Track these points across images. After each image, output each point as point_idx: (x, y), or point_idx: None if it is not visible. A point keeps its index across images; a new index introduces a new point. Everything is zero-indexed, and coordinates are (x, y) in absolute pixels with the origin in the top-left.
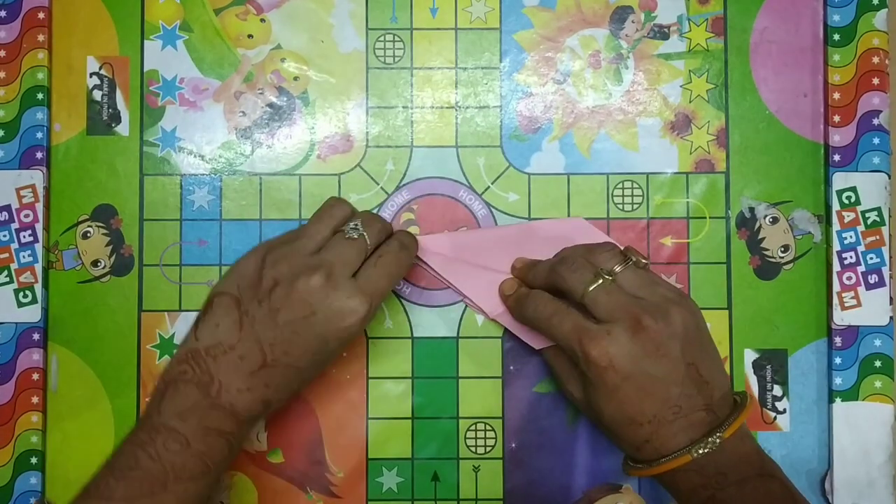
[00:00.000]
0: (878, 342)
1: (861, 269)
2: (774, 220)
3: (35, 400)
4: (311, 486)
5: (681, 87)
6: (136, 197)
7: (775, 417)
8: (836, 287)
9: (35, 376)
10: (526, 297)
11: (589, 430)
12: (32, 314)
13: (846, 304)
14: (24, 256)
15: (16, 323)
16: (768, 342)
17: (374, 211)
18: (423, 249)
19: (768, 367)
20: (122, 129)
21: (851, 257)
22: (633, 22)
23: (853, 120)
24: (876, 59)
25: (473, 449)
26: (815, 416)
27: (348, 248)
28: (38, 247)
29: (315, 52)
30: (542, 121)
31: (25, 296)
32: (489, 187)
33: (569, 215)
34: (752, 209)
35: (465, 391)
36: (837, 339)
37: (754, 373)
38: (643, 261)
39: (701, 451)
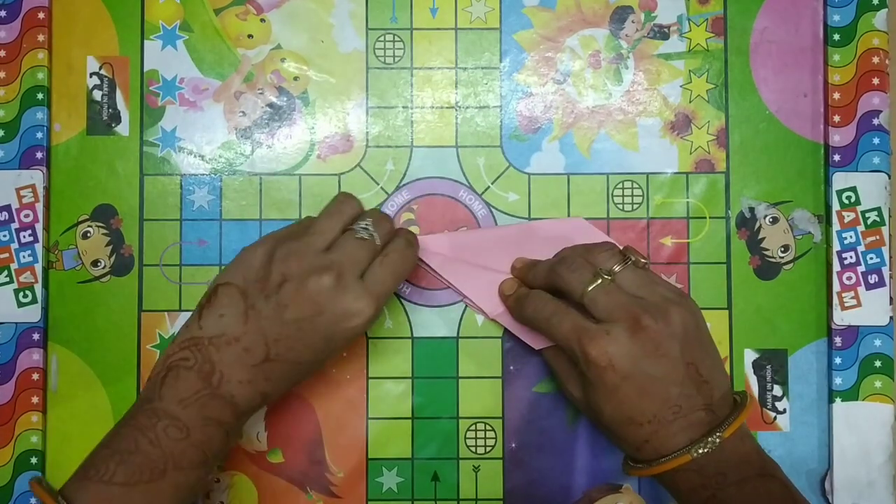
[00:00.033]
0: (878, 342)
1: (861, 269)
2: (774, 220)
3: (35, 400)
4: (311, 486)
5: (681, 87)
6: (136, 197)
7: (775, 417)
8: (836, 287)
9: (35, 376)
10: (525, 297)
11: (589, 430)
12: (32, 314)
13: (846, 304)
14: (24, 256)
15: (16, 323)
16: (768, 342)
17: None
18: (423, 249)
19: (768, 367)
20: (122, 129)
21: (851, 257)
22: (633, 22)
23: (853, 120)
24: (876, 59)
25: (473, 449)
26: (815, 416)
27: (359, 249)
28: (38, 247)
29: (315, 52)
30: (542, 121)
31: (25, 296)
32: (489, 187)
33: (569, 215)
34: (752, 209)
35: (465, 391)
36: (837, 339)
37: (754, 373)
38: (642, 260)
39: (701, 451)
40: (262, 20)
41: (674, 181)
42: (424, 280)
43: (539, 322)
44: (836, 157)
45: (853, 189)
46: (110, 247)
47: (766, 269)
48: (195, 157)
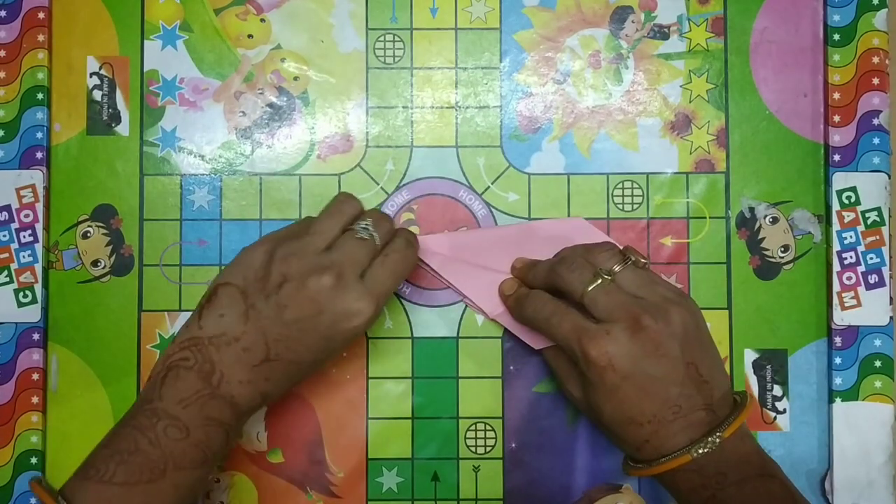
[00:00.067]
0: (878, 342)
1: (861, 269)
2: (774, 220)
3: (35, 400)
4: (311, 486)
5: (681, 87)
6: (136, 197)
7: (775, 417)
8: (836, 287)
9: (35, 376)
10: (525, 297)
11: (589, 430)
12: (32, 314)
13: (846, 304)
14: (24, 256)
15: (16, 323)
16: (768, 342)
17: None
18: (423, 249)
19: (768, 367)
20: (122, 129)
21: (851, 257)
22: (633, 22)
23: (853, 120)
24: (876, 59)
25: (473, 449)
26: (815, 416)
27: (359, 249)
28: (38, 247)
29: (315, 52)
30: (542, 121)
31: (25, 296)
32: (489, 187)
33: (569, 215)
34: (752, 209)
35: (465, 391)
36: (837, 339)
37: (754, 373)
38: (642, 260)
39: (701, 451)
40: (262, 20)
41: (674, 181)
42: (424, 280)
43: (539, 322)
44: (836, 157)
45: (853, 189)
46: (110, 247)
47: (766, 269)
48: (195, 157)
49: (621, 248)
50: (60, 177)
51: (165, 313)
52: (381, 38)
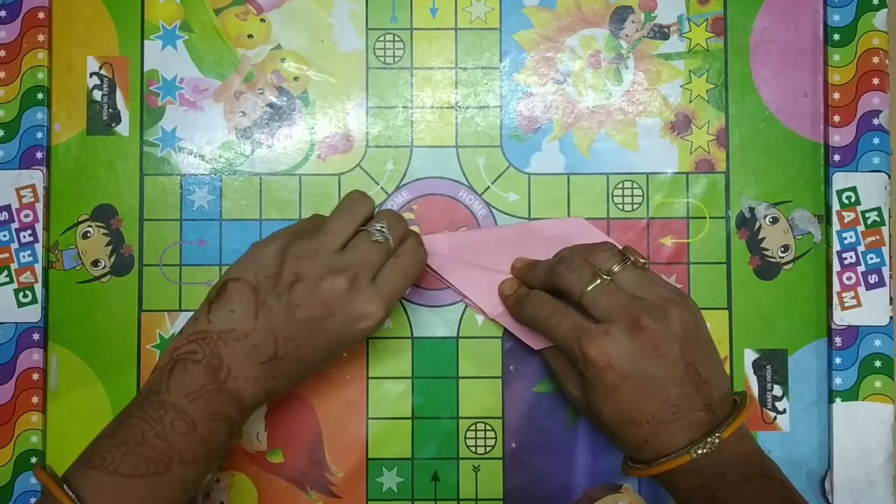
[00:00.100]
0: (878, 342)
1: (861, 269)
2: (774, 220)
3: (35, 400)
4: (311, 486)
5: (681, 87)
6: (136, 197)
7: (775, 417)
8: (836, 287)
9: (35, 376)
10: (525, 297)
11: (589, 430)
12: (32, 314)
13: (846, 304)
14: (24, 256)
15: (16, 323)
16: (768, 342)
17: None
18: None
19: (768, 367)
20: (122, 129)
21: (851, 257)
22: (633, 22)
23: (853, 120)
24: (876, 59)
25: (473, 449)
26: (815, 416)
27: (373, 252)
28: (38, 247)
29: (315, 52)
30: (542, 121)
31: (25, 296)
32: (489, 187)
33: (569, 215)
34: (752, 209)
35: (465, 391)
36: (837, 339)
37: (754, 373)
38: (641, 260)
39: (700, 452)
40: (262, 20)
41: (674, 181)
42: (424, 280)
43: (538, 322)
44: (836, 157)
45: (853, 189)
46: (110, 247)
47: (766, 269)
48: (195, 157)
49: (621, 248)
50: (60, 177)
51: (165, 313)
52: (381, 38)
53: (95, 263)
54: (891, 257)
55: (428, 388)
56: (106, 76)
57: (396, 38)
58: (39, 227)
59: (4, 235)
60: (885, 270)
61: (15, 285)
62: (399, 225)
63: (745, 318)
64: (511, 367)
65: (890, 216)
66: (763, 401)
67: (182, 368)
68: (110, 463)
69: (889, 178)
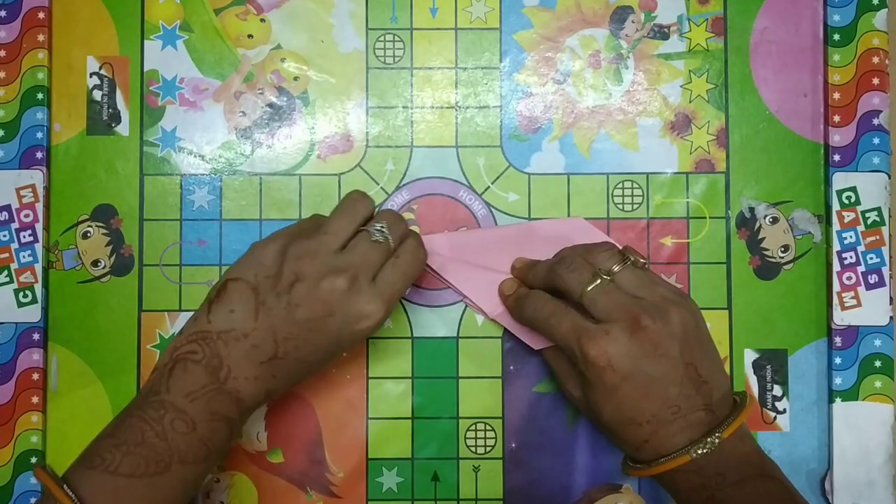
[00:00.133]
0: (878, 342)
1: (861, 269)
2: (774, 220)
3: (35, 400)
4: (311, 486)
5: (681, 87)
6: (136, 197)
7: (775, 417)
8: (836, 287)
9: (35, 376)
10: (525, 298)
11: (589, 430)
12: (32, 314)
13: (846, 304)
14: (24, 256)
15: (16, 323)
16: (768, 342)
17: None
18: None
19: (768, 367)
20: (122, 129)
21: (851, 257)
22: (633, 22)
23: (853, 120)
24: (876, 59)
25: (473, 449)
26: (815, 416)
27: (374, 252)
28: (38, 247)
29: (315, 52)
30: (542, 121)
31: (25, 296)
32: (489, 187)
33: (569, 215)
34: (752, 209)
35: (465, 391)
36: (837, 339)
37: (754, 373)
38: (641, 260)
39: (700, 452)
40: (262, 20)
41: (674, 181)
42: (424, 280)
43: (538, 322)
44: (836, 157)
45: (853, 189)
46: (110, 247)
47: (766, 269)
48: (195, 157)
49: (621, 248)
50: (60, 177)
51: (165, 313)
52: (381, 38)
53: (95, 263)
54: (891, 257)
55: (428, 388)
56: (106, 76)
57: (396, 38)
58: (39, 227)
59: (4, 235)
60: (885, 270)
61: (15, 285)
62: (399, 225)
63: (745, 318)
64: (511, 367)
65: (890, 216)
66: (763, 401)
67: (182, 368)
68: (110, 463)
69: (889, 178)
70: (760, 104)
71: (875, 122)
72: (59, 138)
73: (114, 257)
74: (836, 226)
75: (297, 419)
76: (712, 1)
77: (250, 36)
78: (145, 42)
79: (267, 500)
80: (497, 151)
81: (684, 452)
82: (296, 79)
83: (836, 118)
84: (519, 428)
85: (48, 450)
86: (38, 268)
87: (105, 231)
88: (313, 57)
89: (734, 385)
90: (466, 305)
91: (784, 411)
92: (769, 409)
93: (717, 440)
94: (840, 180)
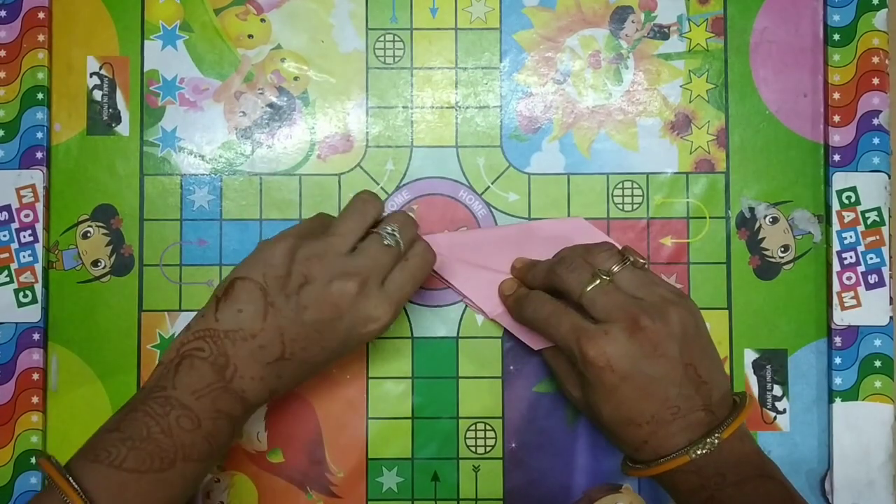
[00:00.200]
0: (878, 342)
1: (861, 269)
2: (774, 220)
3: (35, 400)
4: (311, 486)
5: (681, 87)
6: (137, 197)
7: (775, 417)
8: (836, 287)
9: (35, 376)
10: (525, 298)
11: (589, 430)
12: (32, 314)
13: (846, 304)
14: (24, 256)
15: (16, 323)
16: (768, 342)
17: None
18: None
19: (768, 367)
20: (123, 129)
21: (851, 257)
22: (633, 22)
23: (853, 120)
24: (876, 59)
25: (473, 449)
26: (815, 416)
27: (384, 256)
28: (38, 247)
29: (315, 53)
30: (542, 121)
31: (25, 296)
32: (489, 187)
33: (569, 215)
34: (752, 209)
35: (465, 391)
36: (837, 339)
37: (754, 373)
38: (641, 261)
39: (699, 452)
40: (262, 20)
41: (674, 181)
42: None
43: (538, 322)
44: (836, 157)
45: (853, 189)
46: (110, 247)
47: (766, 269)
48: (195, 157)
49: (620, 248)
50: (60, 177)
51: (165, 313)
52: (381, 38)
53: (95, 263)
54: (891, 257)
55: (428, 388)
56: (106, 76)
57: (396, 38)
58: (39, 227)
59: (4, 235)
60: (885, 270)
61: (15, 285)
62: (410, 228)
63: (745, 318)
64: (511, 367)
65: (890, 216)
66: (763, 401)
67: (189, 365)
68: (115, 457)
69: (889, 178)
70: (760, 104)
71: (875, 122)
72: (59, 138)
73: (114, 257)
74: (836, 226)
75: (297, 419)
76: (712, 1)
77: (250, 36)
78: (145, 42)
79: (267, 500)
80: (497, 151)
81: (683, 453)
82: (296, 79)
83: (836, 118)
84: (519, 428)
85: (48, 450)
86: (38, 268)
87: (105, 231)
88: (313, 57)
89: (734, 385)
90: (466, 305)
91: (784, 411)
92: (769, 409)
93: (716, 441)
94: (840, 180)
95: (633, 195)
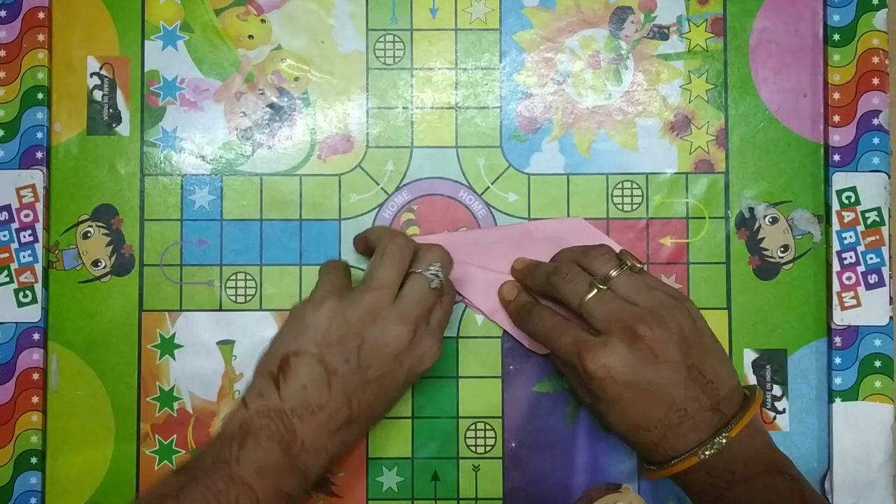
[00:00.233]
0: (877, 342)
1: (861, 269)
2: (774, 220)
3: (35, 400)
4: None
5: (680, 87)
6: (137, 197)
7: (775, 417)
8: (835, 287)
9: (35, 376)
10: (526, 312)
11: (589, 429)
12: (32, 314)
13: (846, 304)
14: (24, 256)
15: (16, 323)
16: (768, 342)
17: (375, 212)
18: None
19: (768, 366)
20: (123, 129)
21: (851, 257)
22: (632, 22)
23: (853, 120)
24: (876, 59)
25: (473, 448)
26: (815, 416)
27: (430, 298)
28: (39, 247)
29: (315, 53)
30: (542, 121)
31: (25, 296)
32: (489, 187)
33: (568, 215)
34: (751, 209)
35: (465, 391)
36: (837, 339)
37: (754, 373)
38: (638, 265)
39: (707, 453)
40: (263, 21)
41: (673, 181)
42: None
43: (540, 338)
44: (836, 157)
45: (853, 189)
46: (111, 247)
47: (766, 269)
48: (196, 157)
49: (617, 250)
50: (60, 177)
51: (166, 313)
52: (382, 39)
53: (96, 263)
54: (891, 257)
55: (428, 388)
56: (106, 76)
57: (396, 39)
58: (39, 227)
59: (4, 235)
60: (885, 270)
61: (15, 285)
62: (449, 263)
63: (745, 318)
64: (511, 367)
65: (890, 216)
66: (763, 401)
67: (255, 443)
68: None
69: (889, 178)
70: (760, 104)
71: (875, 122)
72: (60, 138)
73: (114, 257)
74: (835, 226)
75: None
76: (712, 1)
77: (251, 36)
78: (146, 42)
79: None
80: (497, 152)
81: (692, 454)
82: (296, 79)
83: (836, 118)
84: (519, 427)
85: (48, 450)
86: (39, 268)
87: (105, 231)
88: (314, 57)
89: None
90: (466, 305)
91: (784, 411)
92: (769, 409)
93: (724, 440)
94: (840, 180)
95: (632, 195)
